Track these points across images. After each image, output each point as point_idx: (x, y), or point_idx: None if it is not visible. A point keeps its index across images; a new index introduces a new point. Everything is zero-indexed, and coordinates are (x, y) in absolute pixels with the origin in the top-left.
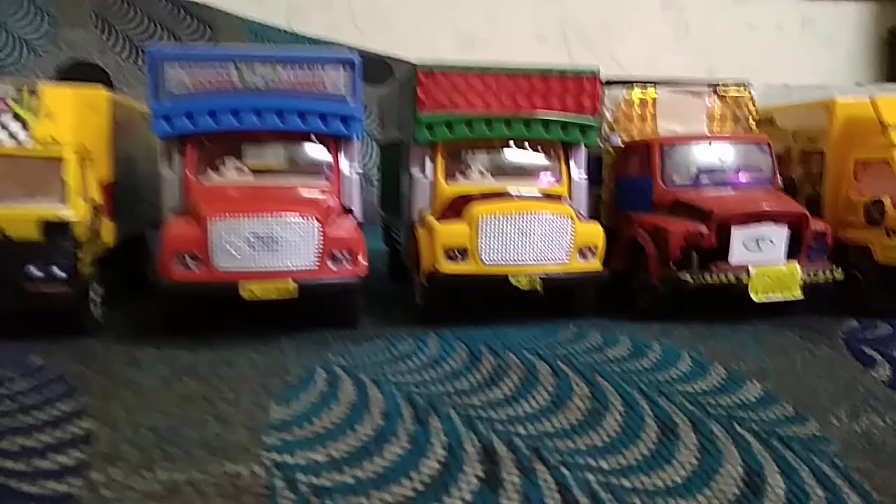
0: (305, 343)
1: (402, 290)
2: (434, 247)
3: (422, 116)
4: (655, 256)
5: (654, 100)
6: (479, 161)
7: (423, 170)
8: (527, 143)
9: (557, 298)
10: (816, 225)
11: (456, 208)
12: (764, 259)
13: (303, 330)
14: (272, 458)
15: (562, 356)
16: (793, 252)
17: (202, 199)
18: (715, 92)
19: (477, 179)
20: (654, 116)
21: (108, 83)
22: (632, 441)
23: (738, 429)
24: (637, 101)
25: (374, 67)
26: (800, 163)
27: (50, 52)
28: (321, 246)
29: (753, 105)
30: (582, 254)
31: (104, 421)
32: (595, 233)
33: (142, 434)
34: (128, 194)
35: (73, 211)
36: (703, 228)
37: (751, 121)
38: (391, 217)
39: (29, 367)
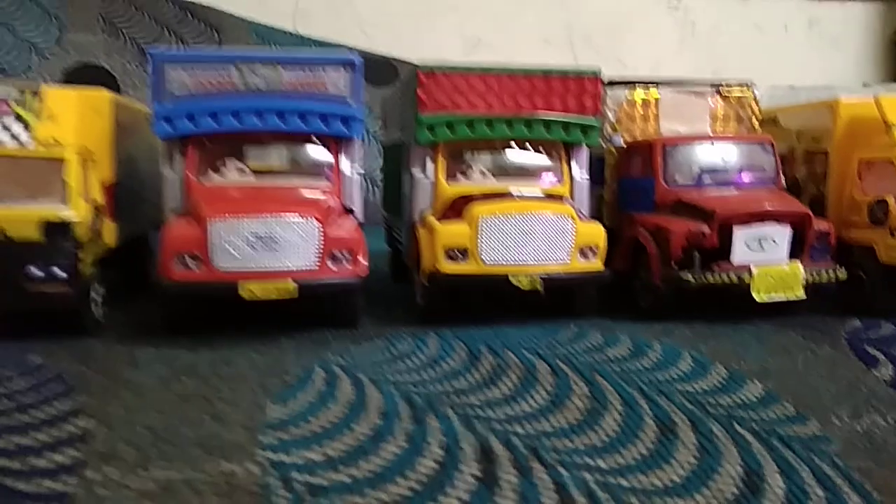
0: (305, 343)
1: (404, 290)
2: (435, 247)
3: (423, 117)
4: (657, 256)
5: (657, 100)
6: (480, 161)
7: (424, 170)
8: (528, 144)
9: (559, 298)
10: (819, 225)
11: (457, 208)
12: (766, 259)
13: (303, 330)
14: (268, 457)
15: (561, 356)
16: (796, 252)
17: (203, 200)
18: (718, 92)
19: (478, 180)
20: (657, 117)
21: (115, 86)
22: (630, 440)
23: (738, 428)
24: (640, 102)
25: (380, 70)
26: (804, 163)
27: (57, 55)
28: (321, 246)
29: (757, 105)
30: (583, 254)
31: (101, 420)
32: (596, 233)
33: (138, 433)
34: (130, 195)
35: (75, 212)
36: (706, 228)
37: (754, 121)
38: (393, 217)
39: (28, 366)
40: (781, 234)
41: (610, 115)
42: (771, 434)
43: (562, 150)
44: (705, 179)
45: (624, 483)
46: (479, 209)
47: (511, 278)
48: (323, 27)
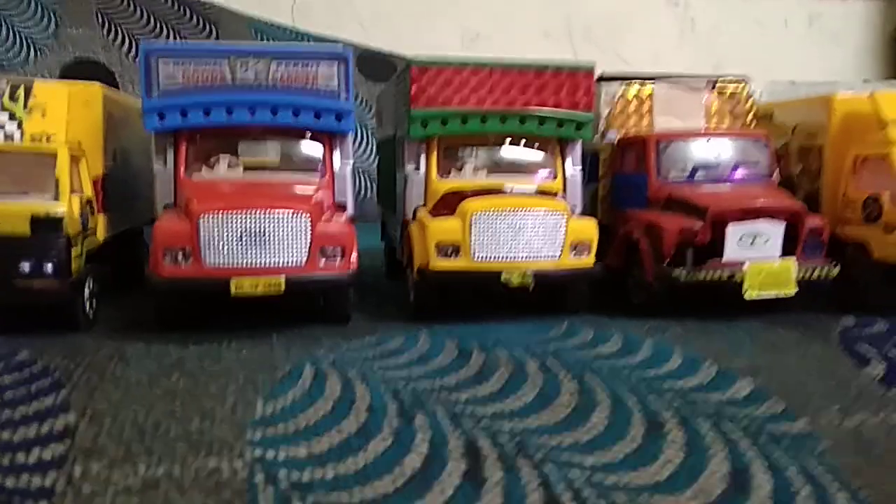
0: (296, 339)
1: (398, 286)
2: (426, 243)
3: (415, 112)
4: (650, 253)
5: (652, 95)
6: (474, 157)
7: (416, 166)
8: (522, 139)
9: (551, 294)
10: (813, 221)
11: (450, 205)
12: (759, 255)
13: (294, 326)
14: (254, 454)
15: (552, 352)
16: (789, 248)
17: (193, 195)
18: (713, 88)
19: (471, 176)
20: (651, 112)
21: (113, 81)
22: (618, 437)
23: (726, 426)
24: (634, 97)
25: (378, 65)
26: (799, 159)
27: (54, 50)
28: (311, 242)
29: (752, 101)
30: (575, 250)
31: (88, 416)
32: (588, 229)
33: (125, 429)
34: (122, 188)
35: (64, 206)
36: (698, 225)
37: (749, 116)
38: (387, 213)
39: (17, 361)
40: (774, 231)
41: (604, 110)
42: (759, 431)
43: (555, 145)
44: (699, 175)
45: (610, 480)
46: (471, 205)
47: (502, 275)
48: (321, 22)
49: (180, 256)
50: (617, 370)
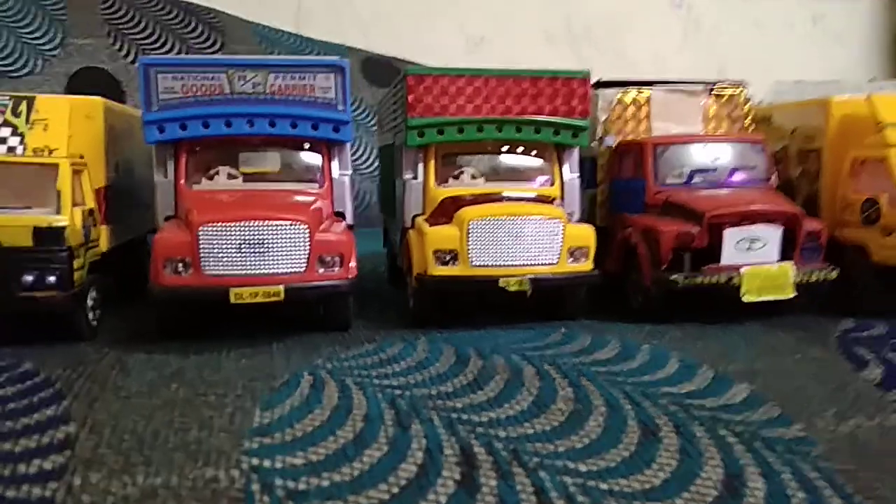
0: (295, 347)
1: (400, 292)
2: (424, 250)
3: (412, 121)
4: (647, 258)
5: (649, 100)
6: (471, 164)
7: (415, 173)
8: (519, 146)
9: (550, 300)
10: (810, 224)
11: (448, 212)
12: (756, 259)
13: (294, 334)
14: (250, 463)
15: (549, 358)
16: (787, 252)
17: (193, 205)
18: (710, 92)
19: (469, 183)
20: (648, 117)
21: (119, 89)
22: (612, 444)
23: (721, 431)
24: (631, 103)
25: (382, 70)
26: (797, 162)
27: (61, 59)
28: (310, 250)
29: (749, 104)
30: (572, 256)
31: (88, 426)
32: (586, 235)
33: (124, 439)
34: (125, 198)
35: (66, 218)
36: (695, 229)
37: (747, 120)
38: (389, 219)
39: (20, 373)
40: (771, 235)
41: (601, 115)
42: (754, 436)
43: (552, 151)
44: (696, 180)
45: (603, 486)
46: (468, 213)
47: (500, 281)
48: (325, 28)
49: (180, 266)
50: (613, 376)
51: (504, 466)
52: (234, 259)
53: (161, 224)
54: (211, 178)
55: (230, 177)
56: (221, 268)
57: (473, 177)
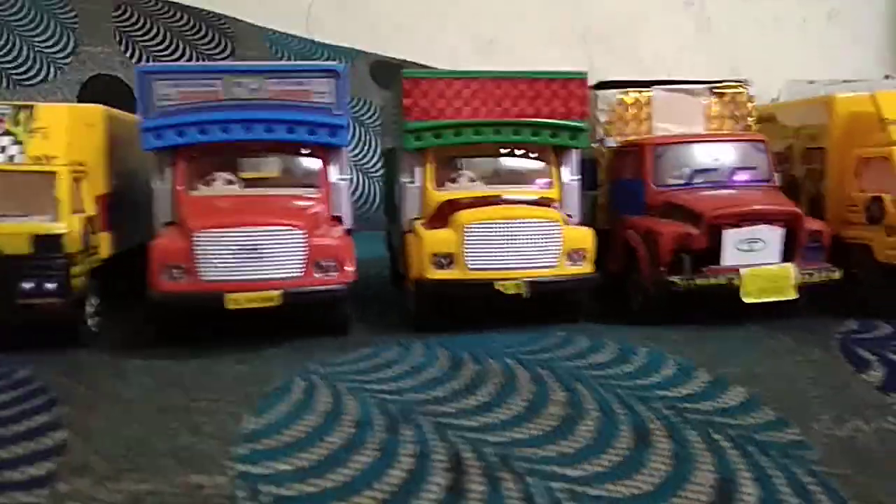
0: (291, 352)
1: (402, 296)
2: (421, 253)
3: (408, 124)
4: (647, 259)
5: (650, 101)
6: (469, 167)
7: (412, 177)
8: (518, 149)
9: (550, 304)
10: (812, 224)
11: (446, 215)
12: (757, 260)
13: (291, 339)
14: (238, 469)
15: (544, 362)
16: (789, 253)
17: (190, 211)
18: (712, 91)
19: (468, 186)
20: (650, 118)
21: (131, 96)
22: (603, 448)
23: (715, 435)
24: (632, 104)
25: (391, 73)
26: (802, 161)
27: (74, 67)
28: (307, 255)
29: (752, 103)
30: (571, 258)
31: (79, 432)
32: (584, 237)
33: (114, 445)
34: (127, 205)
35: (65, 225)
36: (694, 230)
37: (750, 120)
38: (390, 223)
39: (16, 379)
40: (772, 235)
41: (602, 116)
42: (748, 441)
43: (551, 153)
44: (696, 180)
45: (592, 492)
46: (465, 216)
47: (497, 284)
48: (335, 32)
49: (177, 272)
50: (608, 380)
51: (492, 472)
52: (231, 265)
53: (159, 230)
54: (208, 184)
55: (228, 182)
56: (218, 274)
57: (472, 180)
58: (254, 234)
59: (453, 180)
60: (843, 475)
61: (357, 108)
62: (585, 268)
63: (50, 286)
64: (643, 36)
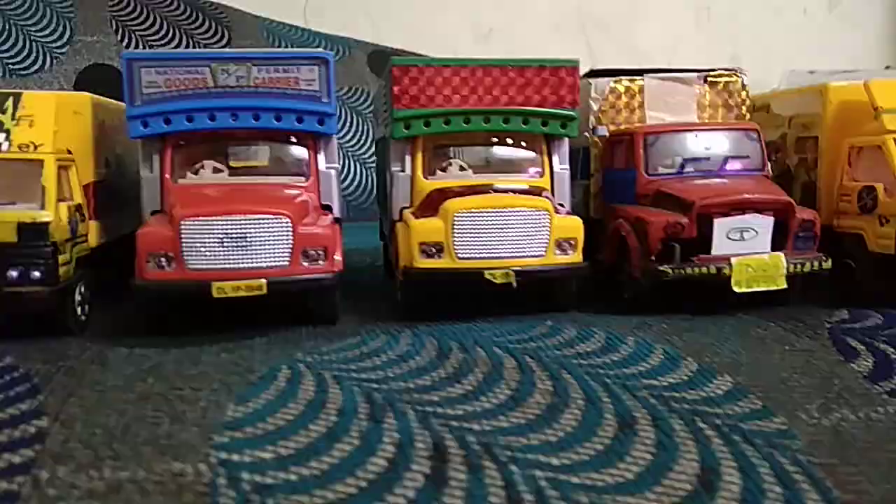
0: (277, 341)
1: (394, 285)
2: (410, 242)
3: (397, 112)
4: (637, 249)
5: (643, 89)
6: (460, 156)
7: (402, 166)
8: (508, 137)
9: (539, 293)
10: (804, 213)
11: (435, 204)
12: (747, 249)
13: (279, 328)
14: (218, 457)
15: (531, 351)
16: (780, 242)
17: (177, 200)
18: (705, 80)
19: (458, 175)
20: (642, 106)
21: None
22: (587, 437)
23: (700, 424)
24: (625, 91)
25: (388, 63)
26: (796, 150)
27: (69, 56)
28: (293, 244)
29: (746, 92)
30: (560, 248)
31: (61, 420)
32: (573, 226)
33: (95, 433)
34: (116, 194)
35: (51, 214)
36: (684, 219)
37: (744, 108)
38: (382, 213)
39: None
40: (762, 224)
41: (594, 105)
42: (733, 429)
43: (542, 142)
44: (688, 169)
45: (575, 480)
46: (453, 205)
47: (486, 274)
48: (334, 21)
49: (163, 261)
50: (595, 369)
51: (475, 460)
52: (218, 253)
53: (146, 219)
54: (196, 172)
55: (216, 171)
56: (204, 262)
57: (462, 168)
58: (240, 222)
59: (443, 169)
60: (828, 465)
61: (354, 97)
62: (575, 257)
63: (36, 274)
64: (643, 25)
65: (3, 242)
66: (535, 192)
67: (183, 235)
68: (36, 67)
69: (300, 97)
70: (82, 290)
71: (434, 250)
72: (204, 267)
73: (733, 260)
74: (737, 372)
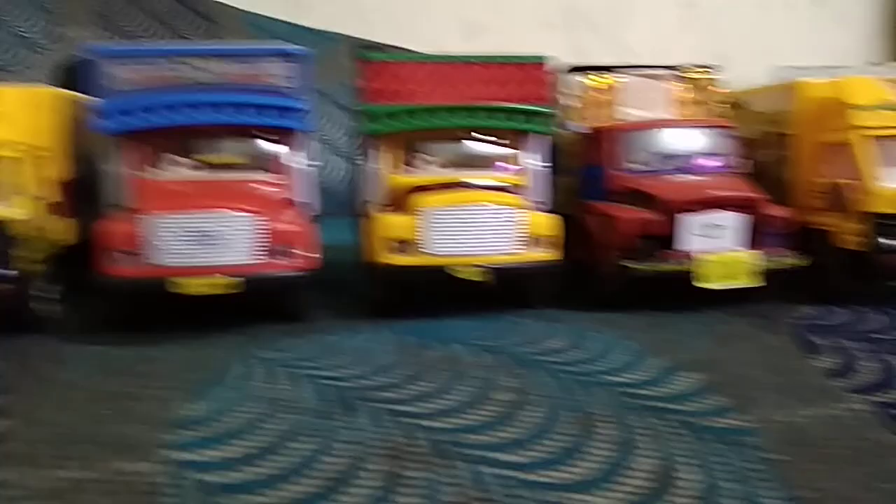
0: (239, 338)
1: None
2: (377, 238)
3: (363, 107)
4: (606, 245)
5: (617, 86)
6: (432, 152)
7: (371, 161)
8: (482, 133)
9: (512, 290)
10: (774, 210)
11: (403, 200)
12: (716, 246)
13: (242, 325)
14: (168, 456)
15: (495, 348)
16: (750, 239)
17: (141, 195)
18: (679, 76)
19: (430, 171)
20: (617, 102)
21: None
22: (547, 435)
23: (659, 421)
24: (600, 88)
25: None
26: (768, 146)
27: (50, 49)
28: (261, 240)
29: (719, 88)
30: (533, 244)
31: (18, 419)
32: (544, 222)
33: (47, 432)
34: (95, 193)
35: (16, 211)
36: (653, 216)
37: (717, 105)
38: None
39: None
40: (729, 221)
41: (568, 101)
42: (692, 427)
43: (515, 138)
44: (659, 166)
45: (532, 478)
46: (421, 200)
47: (454, 270)
48: (321, 16)
49: (125, 257)
50: (559, 366)
51: (432, 459)
52: (181, 250)
53: (109, 213)
54: (162, 167)
55: (182, 166)
56: (168, 259)
57: (434, 164)
58: (203, 218)
59: (415, 165)
60: (785, 461)
61: (341, 93)
62: (548, 254)
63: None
64: (629, 21)
65: None
66: (508, 188)
67: (146, 231)
68: (17, 60)
69: (268, 92)
70: (49, 287)
71: (402, 246)
72: (166, 263)
73: (702, 257)
74: (699, 368)
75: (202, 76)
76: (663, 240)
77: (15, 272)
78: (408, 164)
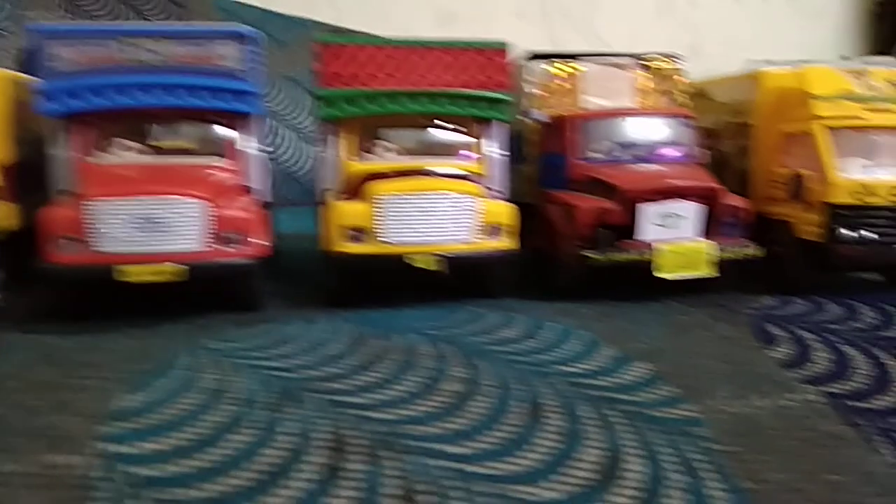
0: (186, 328)
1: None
2: (333, 226)
3: (318, 90)
4: (566, 235)
5: (580, 74)
6: (391, 139)
7: (328, 147)
8: (441, 120)
9: (468, 279)
10: (732, 200)
11: (359, 187)
12: (674, 236)
13: (192, 315)
14: (101, 449)
15: (449, 338)
16: (708, 228)
17: (87, 180)
18: (642, 65)
19: (388, 158)
20: (580, 91)
21: None
22: (494, 425)
23: (609, 411)
24: (563, 76)
25: None
26: (731, 136)
27: (14, 32)
28: (209, 227)
29: (683, 78)
30: (489, 233)
31: None
32: (502, 211)
33: None
34: (40, 177)
35: None
36: (612, 205)
37: (679, 94)
38: None
39: None
40: (688, 211)
41: (530, 89)
42: (641, 417)
43: (474, 126)
44: (619, 155)
45: (476, 470)
46: (376, 188)
47: (410, 258)
48: (293, 2)
49: (69, 243)
50: (511, 356)
51: (374, 451)
52: (127, 236)
53: (55, 198)
54: (111, 151)
55: (131, 150)
56: (113, 245)
57: (392, 151)
58: (150, 204)
59: (373, 151)
60: (733, 452)
61: (311, 78)
62: (504, 243)
63: None
64: (604, 12)
65: None
66: (466, 176)
67: (90, 217)
68: None
69: (217, 74)
70: None
71: (358, 234)
72: (112, 250)
73: (659, 246)
74: (653, 358)
75: (151, 57)
76: (622, 229)
77: None
78: (368, 150)
